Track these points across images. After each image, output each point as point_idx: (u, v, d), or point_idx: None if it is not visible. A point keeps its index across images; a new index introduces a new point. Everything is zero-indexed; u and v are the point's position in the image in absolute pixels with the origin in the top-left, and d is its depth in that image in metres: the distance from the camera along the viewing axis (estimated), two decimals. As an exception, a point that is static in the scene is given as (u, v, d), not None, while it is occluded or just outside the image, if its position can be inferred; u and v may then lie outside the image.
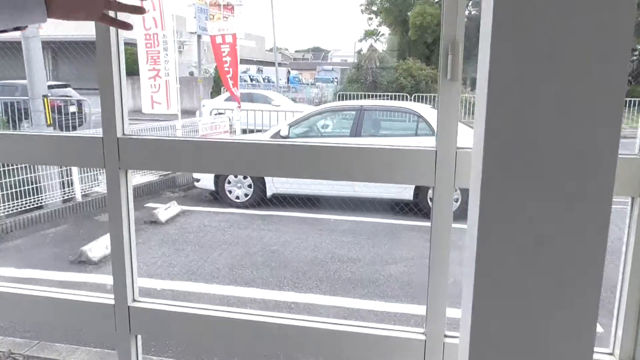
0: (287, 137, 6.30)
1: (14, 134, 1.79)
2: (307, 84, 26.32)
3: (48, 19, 0.96)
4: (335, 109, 7.32)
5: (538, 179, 0.92)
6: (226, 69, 9.25)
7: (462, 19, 1.38)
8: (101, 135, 1.63)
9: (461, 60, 1.38)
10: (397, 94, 17.99)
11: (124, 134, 1.63)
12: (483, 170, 0.94)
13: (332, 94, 21.09)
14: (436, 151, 1.44)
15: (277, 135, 6.41)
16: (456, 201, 6.13)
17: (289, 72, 30.97)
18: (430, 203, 6.57)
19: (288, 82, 27.03)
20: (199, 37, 10.13)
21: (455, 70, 1.38)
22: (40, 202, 6.15)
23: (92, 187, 6.78)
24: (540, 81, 0.89)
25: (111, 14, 1.12)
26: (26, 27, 1.00)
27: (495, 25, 0.89)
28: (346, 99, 17.16)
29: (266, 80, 25.88)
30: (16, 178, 5.90)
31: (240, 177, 6.42)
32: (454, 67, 1.37)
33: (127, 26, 1.12)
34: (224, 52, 9.16)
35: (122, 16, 1.20)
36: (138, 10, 1.08)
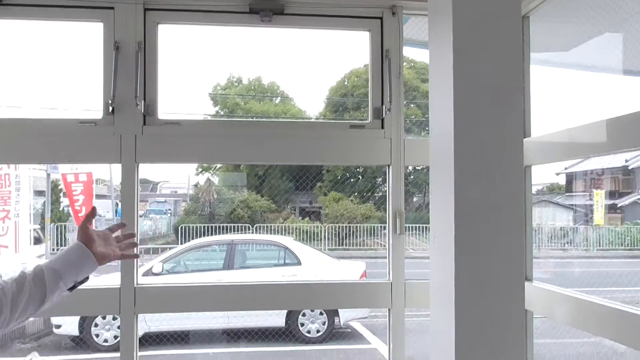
0: (160, 273, 6.41)
1: None
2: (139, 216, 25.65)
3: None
4: (204, 244, 7.67)
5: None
6: (77, 207, 9.06)
7: (402, 192, 2.12)
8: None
9: (404, 221, 2.11)
10: (236, 224, 18.62)
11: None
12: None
13: (166, 225, 20.91)
14: (391, 283, 2.09)
15: (149, 272, 6.47)
16: (323, 324, 6.75)
17: (117, 204, 29.95)
18: (300, 328, 6.92)
19: (116, 214, 26.08)
20: (48, 175, 9.79)
21: (402, 228, 2.09)
22: None
23: None
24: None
25: None
26: (87, 278, 1.42)
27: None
28: (187, 231, 17.27)
29: (93, 214, 24.57)
30: None
31: (110, 317, 6.22)
32: (401, 226, 2.08)
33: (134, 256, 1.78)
34: (76, 190, 9.05)
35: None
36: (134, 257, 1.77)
